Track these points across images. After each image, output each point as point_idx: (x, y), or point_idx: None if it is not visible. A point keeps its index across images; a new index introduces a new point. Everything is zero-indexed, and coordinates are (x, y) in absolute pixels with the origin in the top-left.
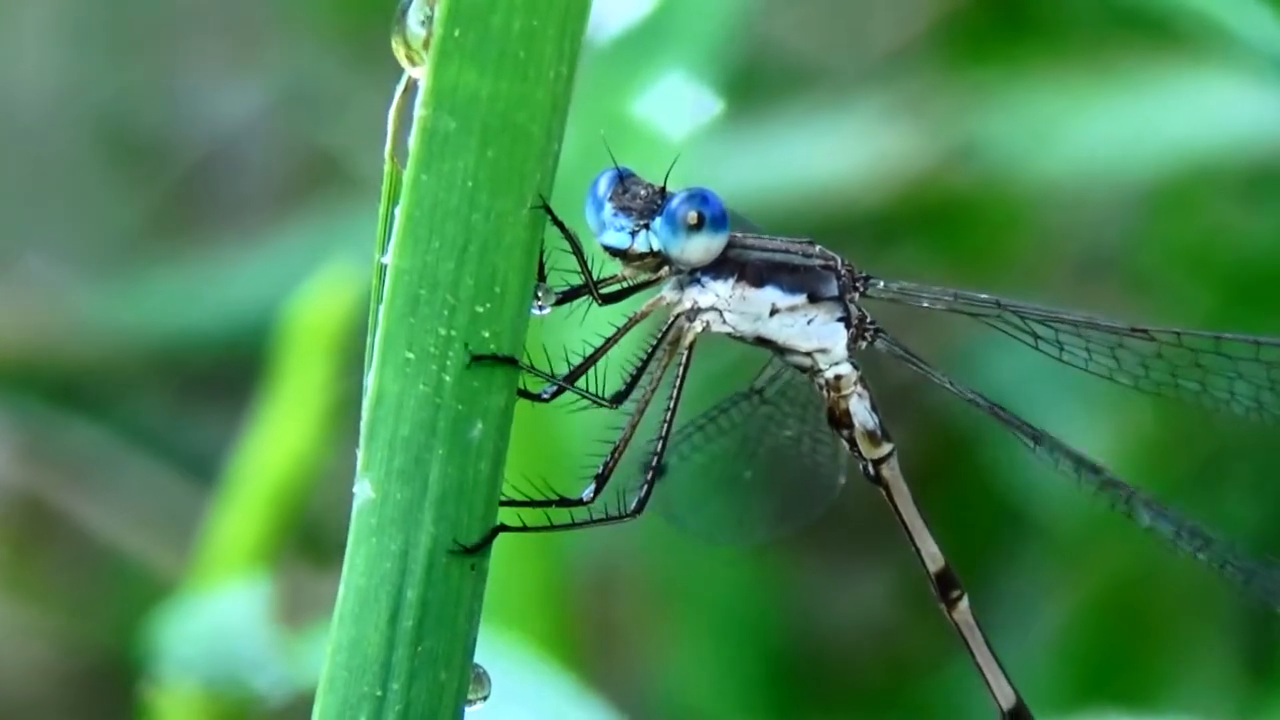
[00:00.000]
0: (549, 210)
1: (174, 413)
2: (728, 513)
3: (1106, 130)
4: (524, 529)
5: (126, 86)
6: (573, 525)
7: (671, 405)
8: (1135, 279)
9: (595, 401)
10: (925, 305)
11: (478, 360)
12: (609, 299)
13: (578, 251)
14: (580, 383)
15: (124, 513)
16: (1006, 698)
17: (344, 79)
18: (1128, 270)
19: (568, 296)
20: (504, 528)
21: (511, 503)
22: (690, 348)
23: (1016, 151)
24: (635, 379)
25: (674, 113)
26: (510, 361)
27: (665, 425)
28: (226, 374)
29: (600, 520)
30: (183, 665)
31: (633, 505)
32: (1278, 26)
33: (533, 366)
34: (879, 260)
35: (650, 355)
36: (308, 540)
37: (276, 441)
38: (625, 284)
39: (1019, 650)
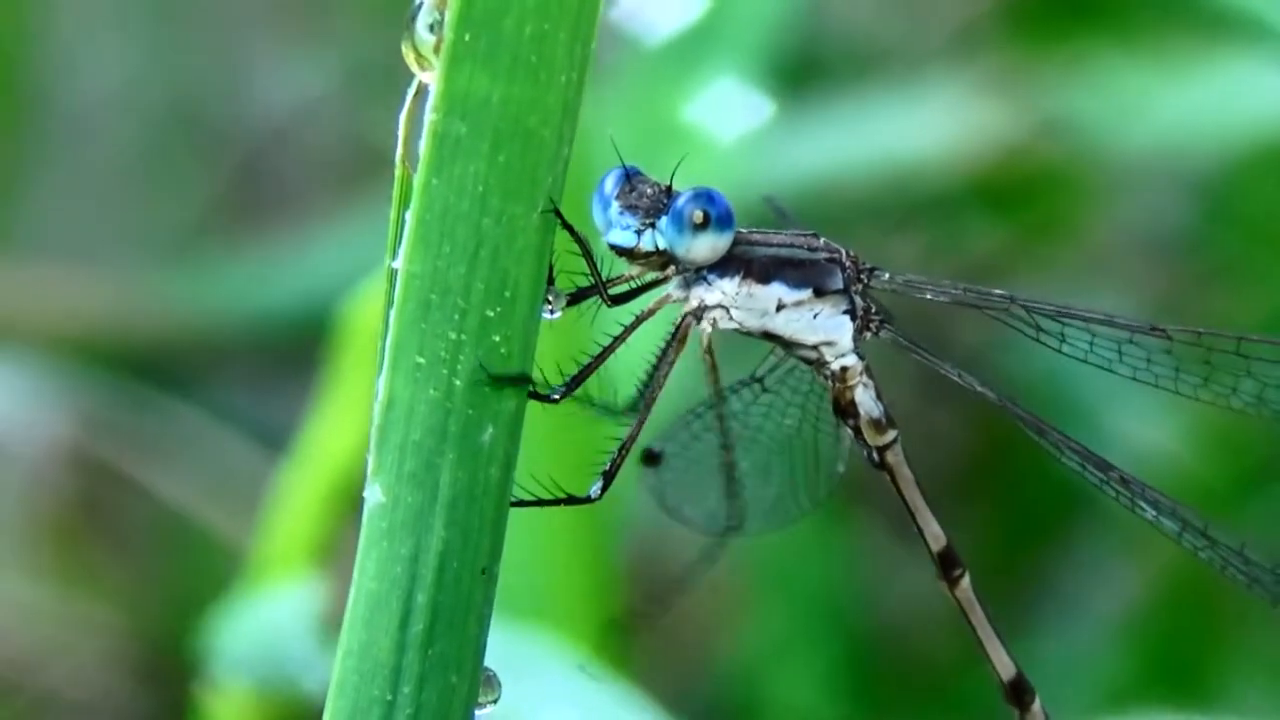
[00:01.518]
0: (559, 215)
1: (247, 391)
2: (720, 504)
3: (1183, 106)
4: (535, 503)
5: (194, 71)
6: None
7: (717, 411)
8: (1212, 260)
9: (606, 410)
10: (929, 298)
11: (496, 380)
12: (618, 300)
13: (588, 255)
14: (592, 381)
15: (198, 487)
16: (1006, 669)
17: (403, 62)
18: (1204, 250)
19: (577, 298)
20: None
21: (521, 503)
22: (711, 350)
23: (1095, 128)
24: (650, 384)
25: (726, 116)
26: (523, 380)
27: (722, 431)
28: (296, 353)
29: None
30: (235, 664)
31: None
32: None
33: (538, 391)
34: (952, 237)
35: (662, 359)
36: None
37: (331, 440)
38: (633, 284)
39: (1079, 641)
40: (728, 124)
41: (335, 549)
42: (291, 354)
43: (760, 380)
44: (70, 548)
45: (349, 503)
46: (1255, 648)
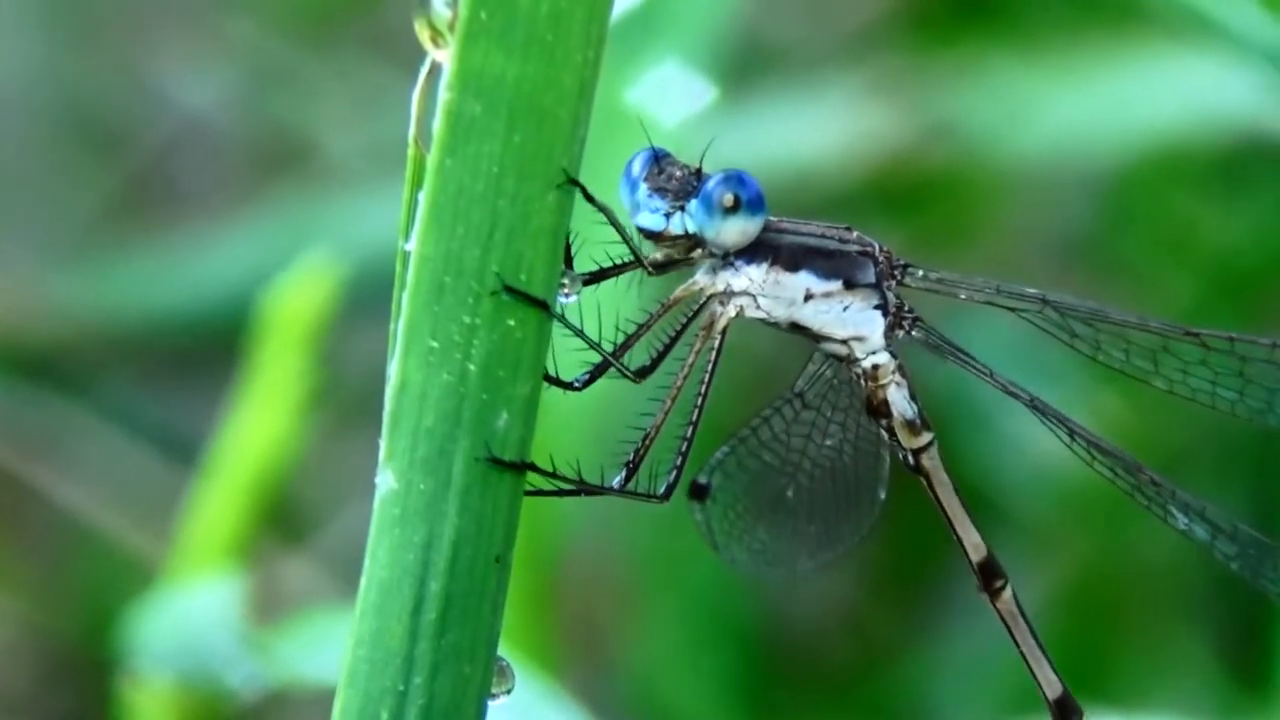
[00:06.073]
0: (580, 186)
1: (144, 392)
2: (771, 541)
3: (1077, 110)
4: (552, 493)
5: (91, 72)
6: (602, 491)
7: (703, 391)
8: (1107, 262)
9: (621, 372)
10: (963, 297)
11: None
12: (657, 267)
13: (615, 224)
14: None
15: (94, 489)
16: (1053, 687)
17: (307, 63)
18: (1100, 253)
19: (595, 278)
20: (534, 466)
21: (539, 492)
22: (723, 332)
23: (989, 131)
24: (662, 355)
25: (668, 100)
26: (542, 307)
27: (696, 411)
28: (195, 354)
29: (630, 494)
30: (156, 660)
31: (662, 490)
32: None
33: (558, 378)
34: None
35: (679, 333)
36: (283, 528)
37: (251, 435)
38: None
39: (987, 642)
40: (670, 108)
41: (259, 541)
42: (196, 353)
43: (801, 395)
44: None
45: (270, 496)
46: (1162, 647)
